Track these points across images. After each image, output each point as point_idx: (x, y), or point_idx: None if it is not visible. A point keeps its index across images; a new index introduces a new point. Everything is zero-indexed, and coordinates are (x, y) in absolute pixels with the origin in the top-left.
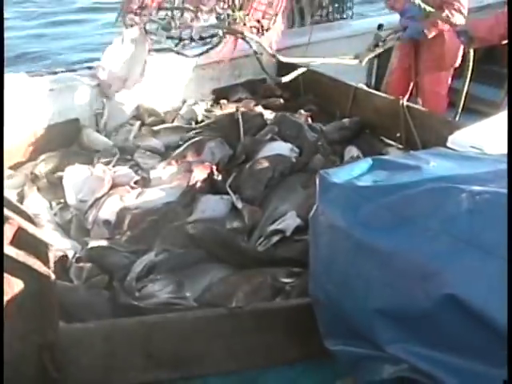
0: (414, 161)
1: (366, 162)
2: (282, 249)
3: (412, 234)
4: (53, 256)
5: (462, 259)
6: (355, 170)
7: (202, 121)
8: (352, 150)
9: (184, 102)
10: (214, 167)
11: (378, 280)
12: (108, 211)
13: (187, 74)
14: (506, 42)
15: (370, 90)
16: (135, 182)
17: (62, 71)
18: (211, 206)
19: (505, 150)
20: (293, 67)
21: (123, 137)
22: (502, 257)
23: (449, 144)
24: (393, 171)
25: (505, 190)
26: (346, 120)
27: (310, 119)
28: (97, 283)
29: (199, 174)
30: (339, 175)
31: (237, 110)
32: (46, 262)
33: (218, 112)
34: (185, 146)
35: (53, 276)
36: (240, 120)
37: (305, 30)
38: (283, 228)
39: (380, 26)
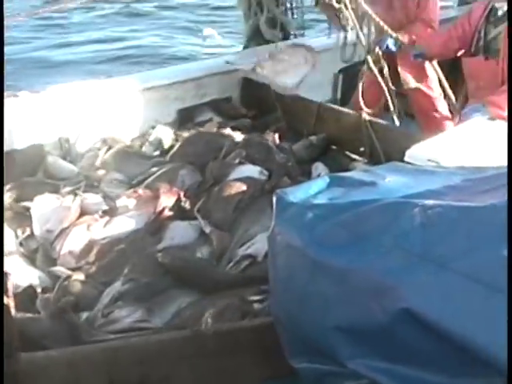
0: (370, 177)
1: (323, 180)
2: (252, 269)
3: (366, 251)
4: (14, 286)
5: (415, 273)
6: (312, 189)
7: (171, 146)
8: (319, 167)
9: (152, 127)
10: (182, 193)
11: (336, 297)
12: (75, 241)
13: (151, 95)
14: (460, 53)
15: (334, 106)
16: (103, 211)
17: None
18: (180, 232)
19: (460, 163)
20: (259, 86)
21: (89, 162)
22: (455, 269)
23: (406, 158)
24: (349, 188)
25: (457, 203)
26: (312, 137)
27: (277, 139)
28: (63, 313)
29: (166, 201)
30: (296, 194)
31: (205, 133)
32: (5, 293)
33: (185, 136)
34: (152, 173)
35: (12, 306)
36: (208, 144)
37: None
38: (254, 253)
39: None
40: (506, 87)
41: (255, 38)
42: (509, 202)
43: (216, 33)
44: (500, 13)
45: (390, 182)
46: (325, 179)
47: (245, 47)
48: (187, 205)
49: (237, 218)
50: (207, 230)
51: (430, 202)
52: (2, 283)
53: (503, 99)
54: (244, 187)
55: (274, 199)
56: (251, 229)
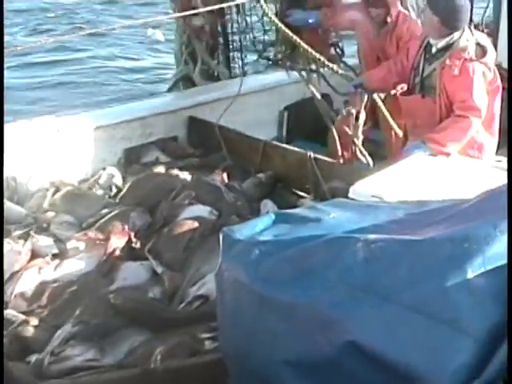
0: (314, 213)
1: (269, 218)
2: (203, 307)
3: (312, 286)
4: None
5: (360, 306)
6: (258, 226)
7: (120, 188)
8: (268, 205)
9: (102, 168)
10: (133, 234)
11: (283, 332)
12: (26, 284)
13: (98, 135)
14: (400, 88)
15: (279, 144)
16: (53, 254)
17: None
18: (132, 273)
19: (403, 198)
20: (205, 124)
21: (38, 203)
22: (398, 302)
23: (350, 195)
24: (294, 225)
25: (399, 237)
26: (261, 175)
27: (226, 178)
28: (13, 356)
29: (117, 242)
30: (242, 232)
31: (154, 175)
32: None
33: (134, 177)
34: (103, 215)
35: None
36: (158, 185)
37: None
38: (205, 292)
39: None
40: (444, 124)
41: (185, 83)
42: (509, 203)
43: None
44: (434, 50)
45: (335, 217)
46: (270, 216)
47: (170, 89)
48: (138, 246)
49: (188, 258)
50: (159, 270)
51: (373, 236)
52: (2, 284)
53: (443, 136)
54: (194, 227)
55: (221, 237)
56: (202, 268)
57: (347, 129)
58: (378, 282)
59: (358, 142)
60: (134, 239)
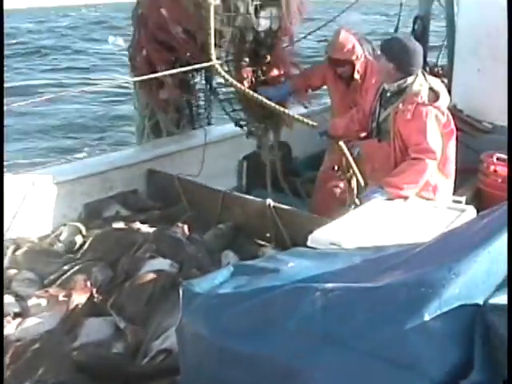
0: (273, 264)
1: (228, 270)
2: (167, 361)
3: (272, 337)
4: None
5: (320, 355)
6: (217, 279)
7: (82, 244)
8: (229, 255)
9: (63, 224)
10: (95, 290)
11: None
12: None
13: (58, 191)
14: (363, 134)
15: (238, 194)
16: (15, 312)
17: None
18: (95, 329)
19: (362, 244)
20: (164, 177)
21: None
22: (357, 349)
23: (309, 243)
24: (253, 276)
25: (356, 285)
26: (221, 226)
27: (187, 230)
28: None
29: (79, 298)
30: (201, 285)
31: (115, 229)
32: None
33: (95, 232)
34: (65, 271)
35: None
36: (118, 240)
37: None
38: (169, 346)
39: None
40: (400, 167)
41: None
42: (509, 205)
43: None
44: (388, 94)
45: (293, 267)
46: (229, 269)
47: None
48: (100, 301)
49: (150, 312)
50: (121, 325)
51: (331, 285)
52: (2, 285)
53: (400, 180)
54: (155, 280)
55: (181, 291)
56: (164, 321)
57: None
58: (336, 330)
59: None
60: (95, 295)
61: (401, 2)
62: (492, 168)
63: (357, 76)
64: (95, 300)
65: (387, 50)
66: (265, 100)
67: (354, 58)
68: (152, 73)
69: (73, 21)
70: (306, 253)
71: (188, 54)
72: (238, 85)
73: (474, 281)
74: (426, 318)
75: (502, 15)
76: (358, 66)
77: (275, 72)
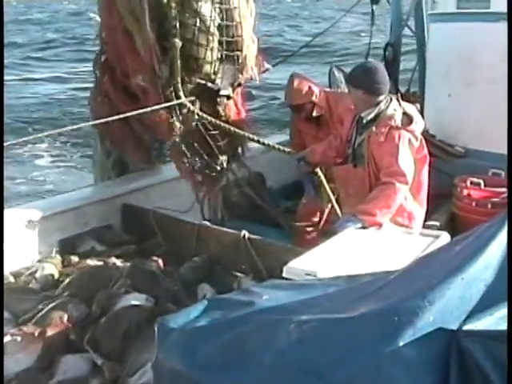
0: (248, 297)
1: (202, 304)
2: None
3: (248, 370)
4: None
5: None
6: (192, 313)
7: (57, 281)
8: (205, 288)
9: (38, 260)
10: (71, 326)
11: None
12: None
13: (32, 228)
14: (339, 160)
15: (213, 226)
16: None
17: None
18: (71, 366)
19: (337, 273)
20: (139, 211)
21: None
22: (333, 380)
23: (284, 274)
24: (228, 310)
25: (330, 316)
26: (196, 259)
27: (162, 263)
28: None
29: (54, 335)
30: (177, 320)
31: (90, 265)
32: None
33: (70, 269)
34: (40, 309)
35: None
36: (93, 276)
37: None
38: (145, 382)
39: None
40: (372, 194)
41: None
42: (509, 204)
43: None
44: (364, 121)
45: (268, 299)
46: (204, 303)
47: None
48: (76, 338)
49: (126, 348)
50: (98, 361)
51: (305, 317)
52: (2, 282)
53: (372, 206)
54: (130, 316)
55: (156, 327)
56: (141, 357)
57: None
58: (312, 361)
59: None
60: (71, 331)
61: (371, 29)
62: (466, 192)
63: (319, 112)
64: (71, 337)
65: (351, 79)
66: (236, 130)
67: (313, 98)
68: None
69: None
70: (280, 284)
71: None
72: (209, 118)
73: (447, 308)
74: (401, 346)
75: (470, 41)
76: (318, 102)
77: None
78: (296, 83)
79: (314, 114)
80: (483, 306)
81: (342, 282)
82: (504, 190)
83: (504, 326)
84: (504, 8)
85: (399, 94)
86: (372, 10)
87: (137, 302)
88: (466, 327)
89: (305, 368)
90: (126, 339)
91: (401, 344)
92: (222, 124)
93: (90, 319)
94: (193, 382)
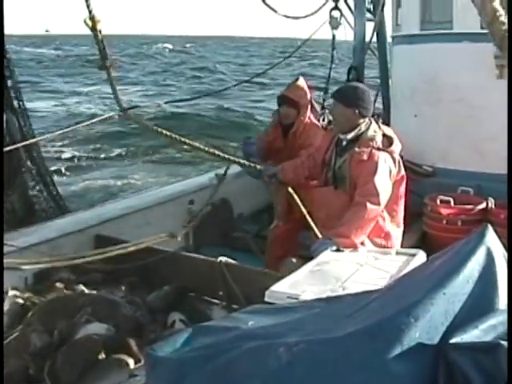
0: (233, 323)
1: (188, 332)
2: None
3: None
4: None
5: None
6: (179, 341)
7: (25, 308)
8: (174, 316)
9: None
10: (32, 357)
11: None
12: None
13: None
14: (314, 183)
15: (187, 254)
16: None
17: None
18: None
19: (318, 295)
20: (111, 241)
21: None
22: None
23: (266, 298)
24: (214, 336)
25: (318, 337)
26: (166, 287)
27: (128, 291)
28: None
29: (15, 366)
30: (164, 349)
31: (55, 294)
32: None
33: (37, 299)
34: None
35: None
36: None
37: None
38: None
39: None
40: (345, 217)
41: None
42: (509, 204)
43: None
44: (344, 143)
45: (253, 324)
46: (189, 331)
47: None
48: (37, 368)
49: (85, 378)
50: None
51: (293, 339)
52: (2, 283)
53: (346, 229)
54: (89, 346)
55: (144, 356)
56: None
57: None
58: (303, 383)
59: None
60: (32, 362)
61: (332, 54)
62: (436, 210)
63: (296, 124)
64: (31, 367)
65: (342, 97)
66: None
67: (302, 101)
68: None
69: None
70: (263, 309)
71: None
72: (159, 129)
73: (432, 323)
74: (390, 364)
75: (434, 62)
76: (301, 116)
77: None
78: (300, 81)
79: (290, 120)
80: (468, 319)
81: (324, 304)
82: (473, 206)
83: (490, 337)
84: (466, 28)
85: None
86: (333, 34)
87: (96, 331)
88: (453, 340)
89: None
90: (84, 369)
91: (390, 361)
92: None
93: (50, 349)
94: None
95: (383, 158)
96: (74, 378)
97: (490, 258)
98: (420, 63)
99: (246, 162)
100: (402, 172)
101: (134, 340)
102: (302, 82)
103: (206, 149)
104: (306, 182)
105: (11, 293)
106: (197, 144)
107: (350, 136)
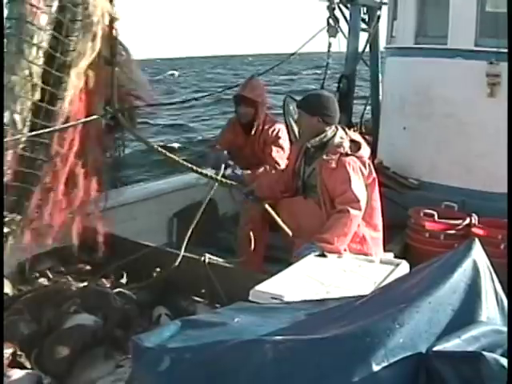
0: (219, 318)
1: (175, 325)
2: None
3: None
4: None
5: None
6: (165, 333)
7: (12, 298)
8: (160, 310)
9: None
10: (18, 345)
11: None
12: None
13: None
14: (286, 195)
15: (171, 250)
16: None
17: None
18: (19, 382)
19: (302, 297)
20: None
21: None
22: None
23: (251, 297)
24: (201, 330)
25: (305, 337)
26: (152, 281)
27: (115, 284)
28: None
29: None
30: (150, 339)
31: (43, 283)
32: None
33: (26, 287)
34: None
35: None
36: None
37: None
38: None
39: None
40: (329, 223)
41: None
42: (508, 204)
43: None
44: (312, 150)
45: (239, 322)
46: (176, 323)
47: None
48: (24, 356)
49: (71, 368)
50: (45, 381)
51: (280, 337)
52: (2, 283)
53: (329, 235)
54: (76, 336)
55: (130, 346)
56: (84, 376)
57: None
58: (288, 381)
59: None
60: (19, 349)
61: (327, 61)
62: (420, 223)
63: (256, 122)
64: (18, 354)
65: (306, 106)
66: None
67: (259, 100)
68: None
69: None
70: (248, 308)
71: None
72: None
73: (416, 330)
74: (373, 367)
75: (427, 76)
76: (259, 114)
77: None
78: (254, 81)
79: (254, 121)
80: (451, 329)
81: (310, 306)
82: (457, 222)
83: (472, 348)
84: (460, 45)
85: (353, 124)
86: (329, 42)
87: (85, 322)
88: (435, 348)
89: None
90: (72, 359)
91: (373, 364)
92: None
93: (37, 338)
94: None
95: (353, 164)
96: (62, 366)
97: (475, 271)
98: (412, 76)
99: (224, 180)
100: (373, 175)
101: (122, 332)
102: (256, 80)
103: (180, 161)
104: (282, 197)
105: None
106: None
107: (314, 142)
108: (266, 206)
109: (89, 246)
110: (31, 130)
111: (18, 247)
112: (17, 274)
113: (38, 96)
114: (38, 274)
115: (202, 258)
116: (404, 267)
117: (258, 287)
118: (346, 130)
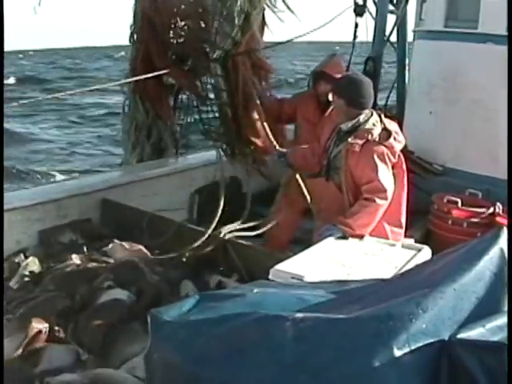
0: (238, 291)
1: (194, 299)
2: None
3: (243, 365)
4: None
5: None
6: (185, 306)
7: (40, 274)
8: (187, 285)
9: (20, 251)
10: (54, 319)
11: None
12: None
13: (13, 217)
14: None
15: (194, 227)
16: None
17: None
18: (57, 355)
19: (322, 278)
20: (118, 207)
21: None
22: (327, 379)
23: (271, 277)
24: (220, 303)
25: (326, 316)
26: (180, 257)
27: (146, 259)
28: None
29: (38, 327)
30: (169, 313)
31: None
32: None
33: (51, 260)
34: (23, 302)
35: None
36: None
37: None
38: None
39: None
40: (353, 209)
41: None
42: (509, 202)
43: None
44: (342, 133)
45: (259, 292)
46: (195, 297)
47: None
48: (59, 331)
49: (109, 343)
50: (81, 355)
51: (301, 315)
52: (2, 281)
53: (353, 221)
54: (111, 310)
55: (149, 319)
56: (124, 351)
57: None
58: (307, 360)
59: None
60: (55, 324)
61: (353, 42)
62: (443, 210)
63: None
64: (55, 329)
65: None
66: None
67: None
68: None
69: None
70: (269, 285)
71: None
72: None
73: (440, 317)
74: (395, 350)
75: (456, 60)
76: None
77: None
78: (337, 58)
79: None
80: (475, 317)
81: (331, 286)
82: (481, 210)
83: (496, 338)
84: (492, 29)
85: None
86: (356, 22)
87: (118, 297)
88: (459, 336)
89: (300, 365)
90: (108, 334)
91: (394, 348)
92: None
93: (71, 312)
94: (188, 374)
95: (379, 152)
96: (98, 341)
97: (502, 259)
98: (441, 60)
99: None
100: (403, 168)
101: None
102: (338, 58)
103: None
104: (314, 168)
105: (26, 257)
106: None
107: (346, 126)
108: (297, 176)
109: (110, 220)
110: None
111: (38, 218)
112: (38, 246)
113: None
114: (61, 247)
115: (222, 235)
116: (426, 253)
117: (278, 266)
118: (382, 116)
